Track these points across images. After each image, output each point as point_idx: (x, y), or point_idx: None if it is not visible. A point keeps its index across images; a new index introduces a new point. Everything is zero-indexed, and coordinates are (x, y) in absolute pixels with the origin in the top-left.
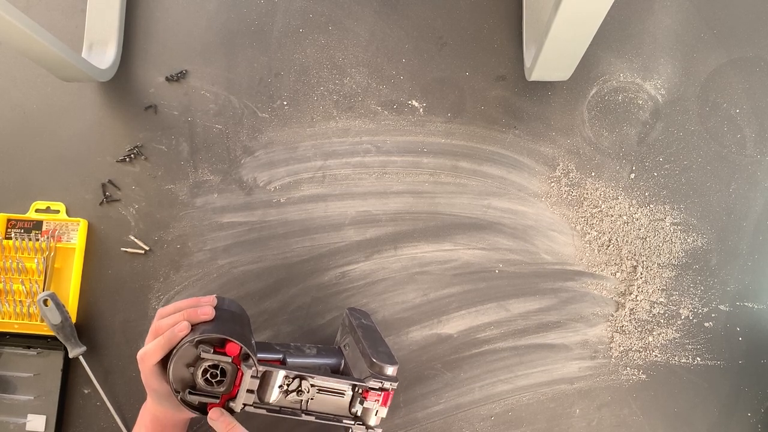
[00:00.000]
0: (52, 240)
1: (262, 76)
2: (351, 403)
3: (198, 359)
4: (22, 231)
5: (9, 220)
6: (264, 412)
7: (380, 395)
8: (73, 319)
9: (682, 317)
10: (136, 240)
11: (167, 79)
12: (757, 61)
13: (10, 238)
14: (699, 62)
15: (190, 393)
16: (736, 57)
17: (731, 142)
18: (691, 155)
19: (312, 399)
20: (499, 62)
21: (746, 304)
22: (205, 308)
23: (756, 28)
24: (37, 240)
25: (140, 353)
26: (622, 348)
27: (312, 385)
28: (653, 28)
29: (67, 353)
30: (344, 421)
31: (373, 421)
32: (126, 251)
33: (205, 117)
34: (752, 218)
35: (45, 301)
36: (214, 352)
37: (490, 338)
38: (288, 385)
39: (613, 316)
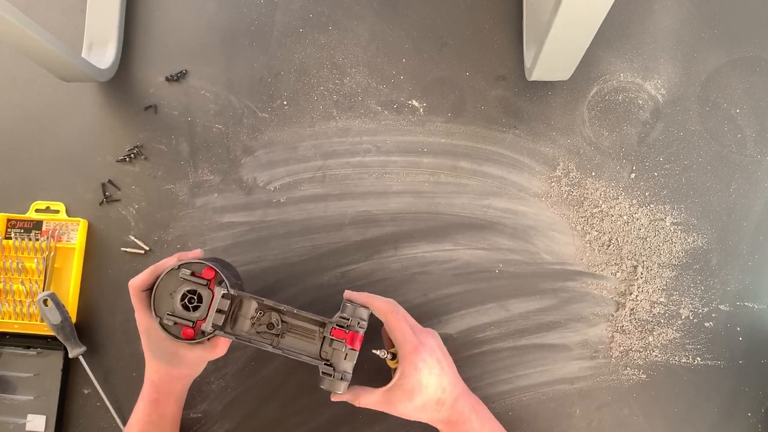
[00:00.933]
0: (52, 240)
1: (262, 75)
2: (321, 347)
3: (179, 284)
4: (22, 231)
5: (9, 220)
6: (233, 339)
7: (347, 334)
8: (73, 319)
9: (683, 317)
10: (136, 240)
11: (167, 79)
12: (757, 61)
13: (10, 238)
14: (699, 62)
15: (167, 316)
16: (736, 57)
17: (731, 142)
18: (692, 155)
19: (283, 337)
20: (499, 62)
21: (747, 304)
22: (196, 251)
23: (756, 28)
24: (37, 240)
25: (131, 280)
26: (622, 348)
27: (283, 321)
28: (653, 28)
29: (67, 353)
30: (313, 360)
31: (342, 364)
32: (126, 251)
33: (205, 117)
34: (753, 218)
35: (45, 301)
36: (192, 275)
37: (490, 338)
38: (259, 319)
39: (613, 316)
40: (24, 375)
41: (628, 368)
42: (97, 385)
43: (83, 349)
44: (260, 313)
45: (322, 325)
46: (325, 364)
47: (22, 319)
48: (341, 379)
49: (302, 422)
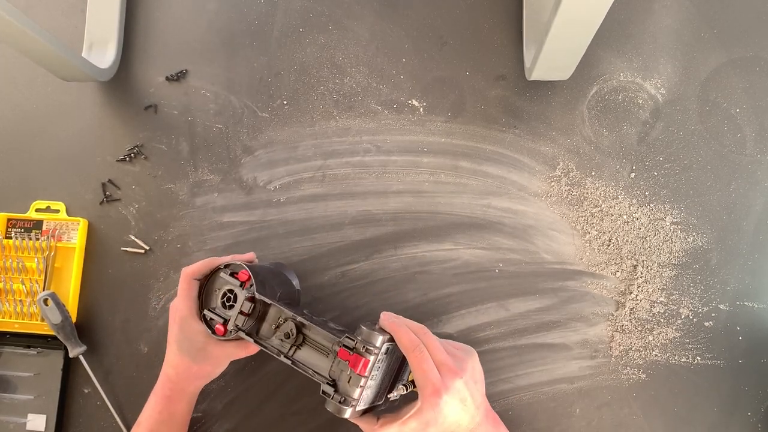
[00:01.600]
0: (52, 239)
1: (262, 75)
2: (332, 365)
3: (223, 283)
4: (23, 230)
5: (9, 220)
6: (251, 340)
7: (351, 356)
8: (73, 319)
9: (682, 316)
10: (136, 239)
11: (167, 78)
12: (757, 60)
13: (11, 238)
14: (699, 62)
15: (207, 309)
16: (736, 57)
17: (731, 142)
18: (691, 155)
19: (300, 348)
20: (499, 62)
21: (746, 303)
22: (249, 254)
23: (756, 28)
24: (38, 239)
25: (185, 267)
26: (622, 347)
27: (300, 332)
28: (653, 28)
29: (67, 353)
30: (320, 377)
31: (345, 387)
32: (126, 251)
33: (205, 116)
34: (752, 218)
35: (45, 301)
36: (231, 275)
37: (490, 338)
38: (280, 326)
39: (613, 315)
40: (24, 374)
41: (627, 368)
42: (98, 385)
43: (83, 348)
44: (282, 321)
45: (334, 342)
46: (327, 383)
47: (23, 319)
48: (341, 402)
49: (302, 422)
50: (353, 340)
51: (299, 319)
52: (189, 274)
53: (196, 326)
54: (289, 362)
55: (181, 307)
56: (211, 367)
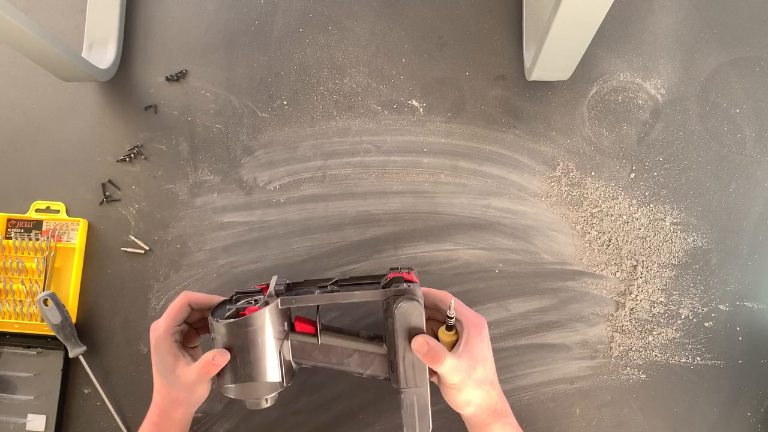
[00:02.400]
0: (52, 240)
1: (262, 75)
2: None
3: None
4: (22, 231)
5: (9, 220)
6: (296, 304)
7: (401, 273)
8: (73, 319)
9: (682, 317)
10: (136, 240)
11: (167, 79)
12: (757, 61)
13: (10, 238)
14: (699, 62)
15: (227, 307)
16: (736, 57)
17: (731, 142)
18: (691, 155)
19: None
20: (499, 62)
21: (746, 303)
22: None
23: (756, 28)
24: (37, 240)
25: (189, 292)
26: (622, 348)
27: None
28: (653, 28)
29: (67, 353)
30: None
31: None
32: (126, 251)
33: (205, 117)
34: (752, 218)
35: (45, 301)
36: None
37: (490, 338)
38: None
39: (613, 315)
40: (24, 375)
41: (627, 368)
42: (97, 385)
43: (83, 348)
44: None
45: (378, 283)
46: (394, 286)
47: (23, 319)
48: (409, 287)
49: (302, 422)
50: (398, 269)
51: (336, 278)
52: (188, 297)
53: (167, 347)
54: (336, 288)
55: (160, 326)
56: (185, 393)
